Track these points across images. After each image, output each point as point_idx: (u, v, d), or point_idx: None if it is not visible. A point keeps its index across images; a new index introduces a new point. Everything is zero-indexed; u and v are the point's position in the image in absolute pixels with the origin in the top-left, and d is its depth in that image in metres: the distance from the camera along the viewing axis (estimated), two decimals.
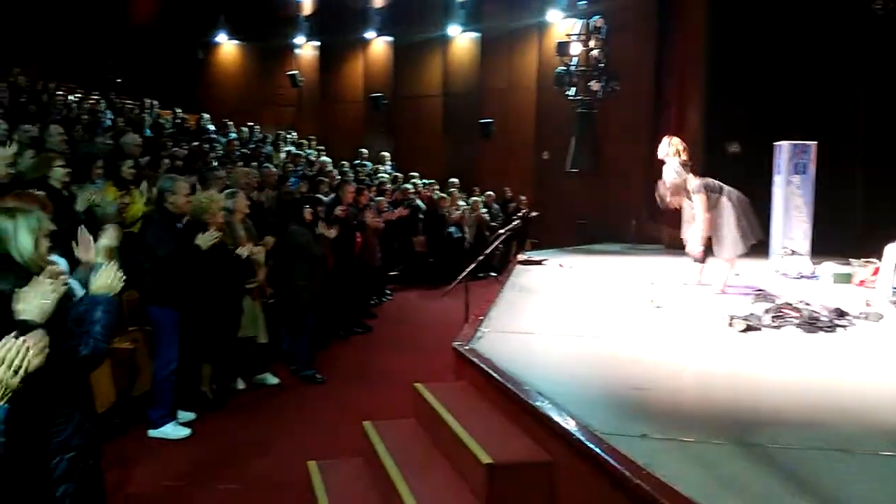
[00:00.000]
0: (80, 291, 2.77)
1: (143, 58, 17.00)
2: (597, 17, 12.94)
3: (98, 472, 2.73)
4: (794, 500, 2.54)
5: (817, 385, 3.99)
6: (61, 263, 3.01)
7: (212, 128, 14.38)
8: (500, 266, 10.81)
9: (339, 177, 11.22)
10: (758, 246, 6.95)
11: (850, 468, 2.86)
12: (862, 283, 7.01)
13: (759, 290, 6.50)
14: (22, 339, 2.04)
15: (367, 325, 8.77)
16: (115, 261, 2.73)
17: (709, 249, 6.78)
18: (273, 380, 6.41)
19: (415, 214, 12.06)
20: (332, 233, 6.89)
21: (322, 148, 15.68)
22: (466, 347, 4.61)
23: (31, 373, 2.05)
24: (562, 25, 14.23)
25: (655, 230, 11.09)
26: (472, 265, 6.64)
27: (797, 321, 5.28)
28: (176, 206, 5.18)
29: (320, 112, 18.03)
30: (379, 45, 17.48)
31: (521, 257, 9.48)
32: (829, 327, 5.19)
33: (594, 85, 12.92)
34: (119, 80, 16.74)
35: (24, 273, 2.39)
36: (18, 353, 2.00)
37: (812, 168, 8.38)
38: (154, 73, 16.68)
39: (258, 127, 15.34)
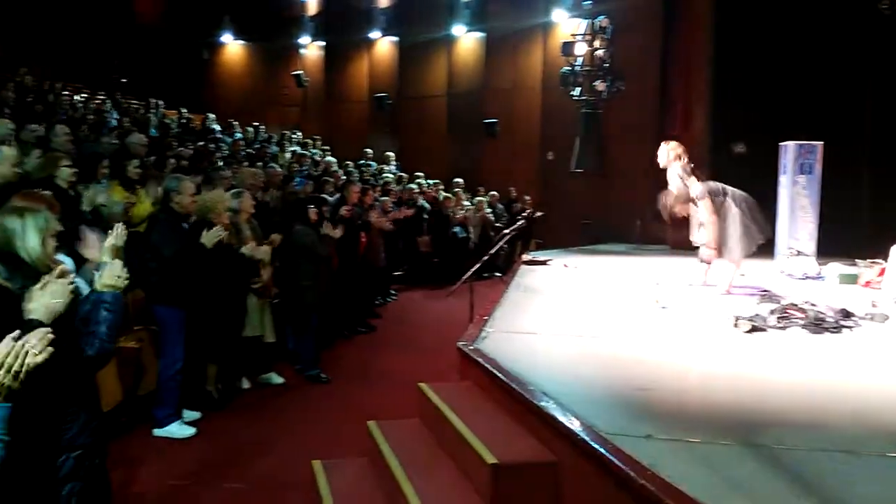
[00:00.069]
0: (86, 290, 2.78)
1: (149, 58, 17.05)
2: (602, 16, 12.91)
3: (104, 470, 2.74)
4: (800, 502, 2.54)
5: (823, 386, 3.98)
6: (67, 263, 3.02)
7: (217, 128, 14.40)
8: (504, 266, 10.82)
9: (345, 177, 11.22)
10: (763, 246, 6.93)
11: (855, 470, 2.85)
12: (868, 283, 6.98)
13: (765, 291, 6.48)
14: (21, 340, 2.04)
15: (372, 325, 8.78)
16: (120, 259, 2.74)
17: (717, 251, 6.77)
18: (278, 379, 6.42)
19: (419, 214, 12.07)
20: (337, 233, 6.91)
21: (327, 148, 15.69)
22: (471, 347, 4.61)
23: (38, 372, 2.06)
24: (567, 25, 14.21)
25: (660, 230, 11.06)
26: (477, 265, 6.65)
27: (803, 322, 5.26)
28: (181, 206, 5.19)
29: (325, 112, 18.05)
30: (384, 45, 17.49)
31: (525, 257, 9.49)
32: (834, 328, 5.18)
33: (599, 85, 12.89)
34: (125, 80, 16.80)
35: (32, 272, 2.41)
36: (17, 357, 2.01)
37: (818, 168, 8.36)
38: (159, 73, 16.72)
39: (263, 127, 15.36)
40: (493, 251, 7.25)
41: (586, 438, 3.03)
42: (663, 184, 7.02)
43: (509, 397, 3.85)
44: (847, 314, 5.42)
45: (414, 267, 12.18)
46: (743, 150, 10.68)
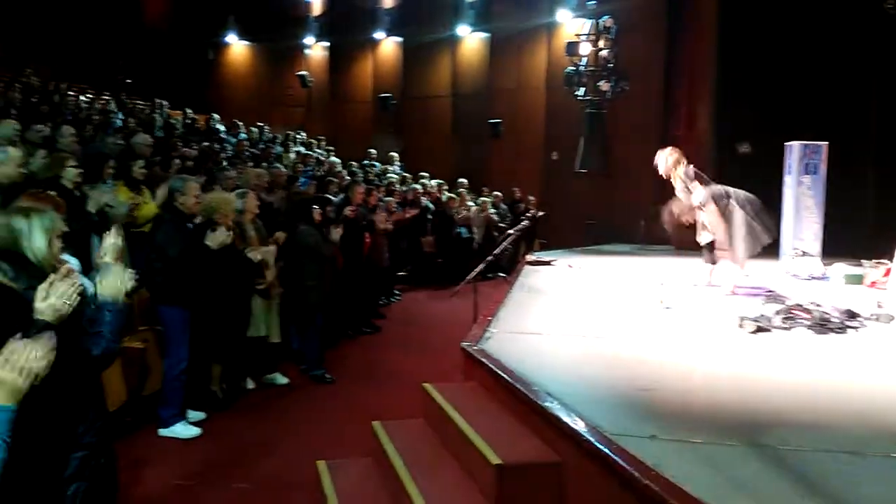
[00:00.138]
0: (92, 290, 2.78)
1: (154, 58, 17.10)
2: (606, 16, 12.91)
3: (111, 470, 2.75)
4: (804, 502, 2.53)
5: (828, 387, 3.97)
6: (73, 263, 3.03)
7: (222, 128, 14.43)
8: (508, 266, 10.81)
9: (349, 177, 11.24)
10: (768, 247, 6.91)
11: (860, 470, 2.85)
12: (873, 284, 6.96)
13: (770, 292, 6.47)
14: (28, 343, 2.05)
15: (376, 326, 8.79)
16: (123, 261, 2.74)
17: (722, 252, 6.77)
18: (282, 379, 6.43)
19: (423, 215, 12.07)
20: (337, 233, 6.88)
21: (331, 148, 15.72)
22: (475, 348, 4.61)
23: (45, 372, 2.07)
24: (571, 25, 14.22)
25: (665, 231, 11.05)
26: (481, 265, 6.64)
27: (808, 323, 5.25)
28: (185, 207, 5.21)
29: (330, 112, 18.08)
30: (388, 46, 17.51)
31: (529, 258, 9.48)
32: (839, 329, 5.16)
33: (603, 85, 12.89)
34: (130, 81, 16.83)
35: (38, 273, 2.42)
36: (27, 357, 2.02)
37: (823, 168, 8.34)
38: (164, 74, 16.77)
39: (268, 127, 15.39)
40: (497, 251, 7.24)
41: (591, 439, 3.03)
42: (668, 185, 7.00)
43: (513, 398, 3.85)
44: (852, 315, 5.40)
45: (418, 267, 12.18)
46: (748, 150, 10.66)
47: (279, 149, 13.90)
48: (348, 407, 5.80)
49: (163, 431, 5.10)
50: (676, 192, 6.85)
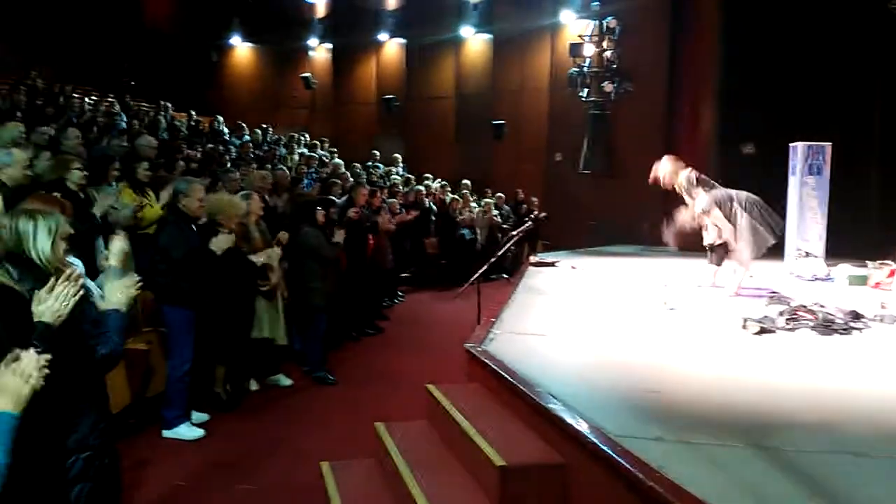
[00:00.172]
0: (95, 291, 2.79)
1: (158, 60, 17.12)
2: (610, 17, 12.92)
3: (115, 471, 2.75)
4: None
5: (832, 388, 3.96)
6: (77, 265, 3.04)
7: (226, 130, 14.45)
8: (512, 268, 10.82)
9: (352, 179, 11.24)
10: (772, 248, 6.91)
11: (864, 472, 2.84)
12: (877, 285, 6.95)
13: (774, 293, 6.47)
14: (27, 354, 2.05)
15: (380, 327, 8.79)
16: (128, 268, 2.75)
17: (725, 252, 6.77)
18: (286, 381, 6.44)
19: (427, 216, 12.07)
20: (341, 235, 6.88)
21: (335, 150, 15.72)
22: (478, 349, 4.61)
23: (48, 375, 2.07)
24: (575, 26, 14.21)
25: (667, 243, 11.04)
26: (485, 267, 6.64)
27: (812, 324, 5.25)
28: (189, 209, 5.21)
29: (333, 114, 18.10)
30: (392, 47, 17.52)
31: (533, 259, 9.48)
32: (843, 330, 5.15)
33: (607, 86, 12.90)
34: (134, 83, 16.87)
35: (43, 275, 2.43)
36: (31, 365, 2.02)
37: (827, 169, 8.33)
38: (169, 76, 16.78)
39: (271, 129, 15.41)
40: (500, 253, 7.24)
41: (595, 440, 3.03)
42: (672, 190, 7.00)
43: (517, 399, 3.85)
44: (856, 316, 5.39)
45: (421, 269, 12.18)
46: (752, 150, 10.64)
47: (283, 150, 13.92)
48: (352, 408, 5.80)
49: (166, 433, 5.10)
50: (686, 201, 6.86)
